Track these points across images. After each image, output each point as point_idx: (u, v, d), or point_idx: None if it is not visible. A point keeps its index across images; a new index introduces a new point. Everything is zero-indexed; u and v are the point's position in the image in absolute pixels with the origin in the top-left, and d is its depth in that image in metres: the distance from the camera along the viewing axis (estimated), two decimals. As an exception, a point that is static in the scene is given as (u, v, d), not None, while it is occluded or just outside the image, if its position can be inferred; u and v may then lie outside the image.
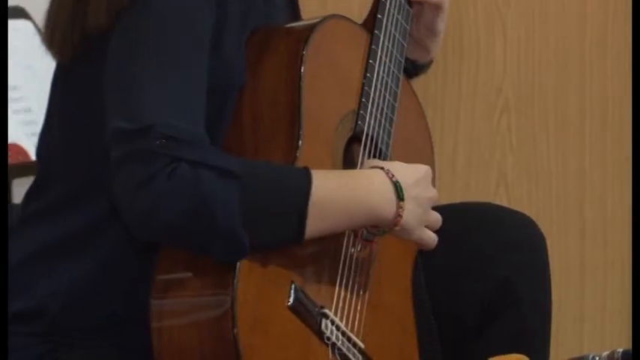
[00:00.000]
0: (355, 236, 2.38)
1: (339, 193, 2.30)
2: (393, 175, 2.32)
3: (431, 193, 2.39)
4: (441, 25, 2.64)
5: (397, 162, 2.40)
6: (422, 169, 2.39)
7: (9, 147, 3.22)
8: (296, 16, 2.63)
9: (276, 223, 2.25)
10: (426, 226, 2.40)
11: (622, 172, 3.73)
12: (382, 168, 2.33)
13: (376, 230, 2.35)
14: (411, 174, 2.36)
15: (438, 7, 2.63)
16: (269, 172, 2.27)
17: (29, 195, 2.49)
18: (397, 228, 2.33)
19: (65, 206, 2.39)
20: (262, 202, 2.23)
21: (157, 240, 2.26)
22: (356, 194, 2.32)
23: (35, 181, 2.50)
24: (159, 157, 2.16)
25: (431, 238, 2.39)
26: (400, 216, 2.31)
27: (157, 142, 2.16)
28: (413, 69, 2.65)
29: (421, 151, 2.65)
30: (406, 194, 2.31)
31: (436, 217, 2.39)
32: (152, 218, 2.19)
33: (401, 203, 2.31)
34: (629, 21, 3.66)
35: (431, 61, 2.71)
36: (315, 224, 2.26)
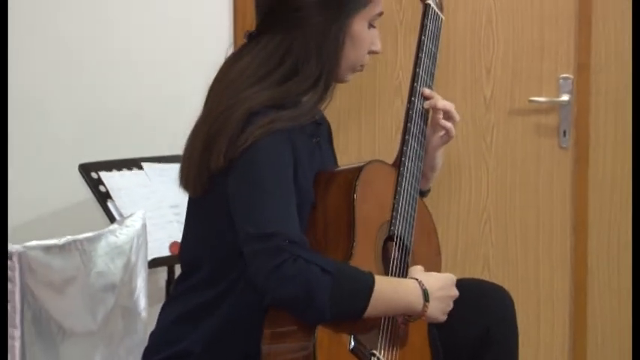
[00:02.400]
0: (395, 319, 2.36)
1: (387, 294, 2.27)
2: (423, 285, 2.30)
3: (452, 293, 2.37)
4: (439, 162, 2.59)
5: (432, 273, 2.37)
6: (446, 278, 2.37)
7: (174, 244, 3.21)
8: (334, 153, 2.58)
9: (348, 306, 2.23)
10: None
11: (565, 261, 3.72)
12: (417, 279, 2.32)
13: (410, 318, 2.33)
14: (438, 282, 2.34)
15: (441, 144, 2.57)
16: (349, 273, 2.24)
17: (178, 279, 2.46)
18: (424, 318, 2.33)
19: (201, 285, 2.36)
20: (344, 293, 2.21)
21: (277, 305, 2.24)
22: (398, 295, 2.30)
23: (182, 270, 2.46)
24: (284, 252, 2.17)
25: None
26: (425, 311, 2.30)
27: (284, 243, 2.18)
28: None
29: (432, 244, 2.57)
30: (430, 297, 2.30)
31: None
32: (277, 291, 2.19)
33: (426, 303, 2.29)
34: (569, 164, 3.67)
35: (429, 190, 2.63)
36: (370, 311, 2.24)
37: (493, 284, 2.64)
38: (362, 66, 2.41)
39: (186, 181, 2.36)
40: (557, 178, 3.68)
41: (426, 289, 2.30)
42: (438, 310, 2.33)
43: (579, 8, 3.60)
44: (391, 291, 2.29)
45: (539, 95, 3.64)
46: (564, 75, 3.64)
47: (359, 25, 2.34)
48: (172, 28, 3.65)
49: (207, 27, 3.60)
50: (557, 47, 3.64)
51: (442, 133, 2.54)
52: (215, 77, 2.39)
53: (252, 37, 2.37)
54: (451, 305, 2.36)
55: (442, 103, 2.50)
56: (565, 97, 3.63)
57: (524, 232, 3.70)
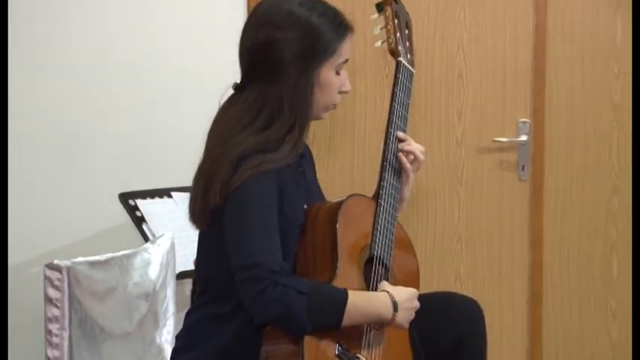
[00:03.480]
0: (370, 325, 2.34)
1: (360, 306, 2.24)
2: (392, 297, 2.27)
3: (414, 304, 2.33)
4: (407, 195, 2.51)
5: (398, 287, 2.32)
6: (412, 292, 2.33)
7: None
8: (316, 177, 2.53)
9: (325, 320, 2.21)
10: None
11: (524, 273, 3.69)
12: (388, 292, 2.29)
13: (382, 325, 2.31)
14: (404, 295, 2.31)
15: (408, 180, 2.48)
16: (324, 291, 2.22)
17: (198, 293, 2.43)
18: (392, 325, 2.30)
19: (213, 301, 2.33)
20: (319, 309, 2.19)
21: (264, 324, 2.23)
22: (371, 307, 2.27)
23: (198, 287, 2.47)
24: (265, 280, 2.15)
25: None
26: (394, 320, 2.28)
27: (264, 272, 2.16)
28: None
29: (411, 262, 2.52)
30: (399, 307, 2.27)
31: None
32: (262, 313, 2.18)
33: (395, 313, 2.27)
34: (527, 194, 3.66)
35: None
36: (346, 321, 2.22)
37: (467, 298, 2.59)
38: (334, 105, 2.36)
39: (193, 217, 2.31)
40: (516, 205, 3.67)
41: (395, 300, 2.27)
42: (404, 318, 2.30)
43: (535, 63, 3.60)
44: (365, 304, 2.26)
45: (502, 136, 3.63)
46: (523, 119, 3.63)
47: (326, 74, 2.28)
48: (201, 79, 3.59)
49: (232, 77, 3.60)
50: (517, 96, 3.63)
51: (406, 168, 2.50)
52: (212, 123, 2.35)
53: (238, 89, 2.33)
54: (413, 315, 2.33)
55: (409, 147, 2.46)
56: (523, 138, 3.62)
57: (490, 249, 3.68)
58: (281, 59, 2.25)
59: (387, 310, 2.27)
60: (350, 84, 2.37)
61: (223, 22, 3.55)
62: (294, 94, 2.26)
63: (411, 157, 2.46)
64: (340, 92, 2.35)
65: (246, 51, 2.32)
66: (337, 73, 2.32)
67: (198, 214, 2.29)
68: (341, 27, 2.31)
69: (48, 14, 3.60)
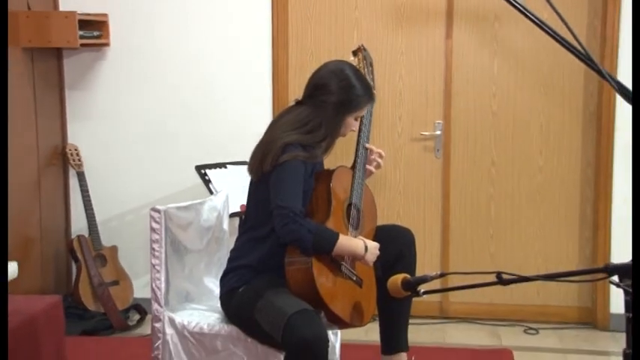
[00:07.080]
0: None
1: (345, 245, 2.22)
2: (365, 243, 2.26)
3: (377, 252, 2.30)
4: (371, 173, 2.48)
5: (370, 241, 2.29)
6: (377, 245, 2.30)
7: (242, 205, 3.16)
8: (322, 162, 2.44)
9: (322, 249, 2.20)
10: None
11: (438, 216, 3.55)
12: (363, 240, 2.27)
13: (355, 259, 2.29)
14: (373, 245, 2.28)
15: (377, 163, 2.45)
16: (325, 232, 2.20)
17: (241, 223, 2.44)
18: (362, 261, 2.28)
19: (255, 228, 2.30)
20: (319, 243, 2.18)
21: (285, 243, 2.21)
22: (351, 246, 2.25)
23: (243, 219, 2.41)
24: (289, 217, 2.14)
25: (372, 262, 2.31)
26: (364, 257, 2.27)
27: (290, 212, 2.14)
28: None
29: (372, 209, 2.46)
30: (368, 251, 2.26)
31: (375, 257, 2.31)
32: (284, 237, 2.17)
33: (365, 253, 2.26)
34: (440, 167, 3.58)
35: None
36: (335, 252, 2.21)
37: (404, 227, 2.58)
38: (345, 135, 2.37)
39: (250, 171, 2.32)
40: (434, 173, 3.57)
41: (367, 246, 2.27)
42: (369, 259, 2.29)
43: (445, 87, 3.48)
44: (347, 244, 2.24)
45: (425, 131, 3.53)
46: (438, 120, 3.52)
47: (350, 119, 2.31)
48: (245, 98, 3.50)
49: (259, 99, 3.56)
50: (434, 106, 3.52)
51: (374, 164, 2.49)
52: (274, 118, 2.36)
53: (297, 103, 2.33)
54: (375, 258, 2.31)
55: (373, 148, 2.47)
56: (438, 132, 3.52)
57: (417, 199, 3.59)
58: (329, 100, 2.26)
59: (360, 250, 2.27)
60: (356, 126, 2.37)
61: (260, 58, 3.50)
62: (330, 124, 2.27)
63: (372, 155, 2.47)
64: (351, 130, 2.36)
65: (312, 86, 2.31)
66: (355, 119, 2.34)
67: (254, 171, 2.30)
68: (370, 96, 2.33)
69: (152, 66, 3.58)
